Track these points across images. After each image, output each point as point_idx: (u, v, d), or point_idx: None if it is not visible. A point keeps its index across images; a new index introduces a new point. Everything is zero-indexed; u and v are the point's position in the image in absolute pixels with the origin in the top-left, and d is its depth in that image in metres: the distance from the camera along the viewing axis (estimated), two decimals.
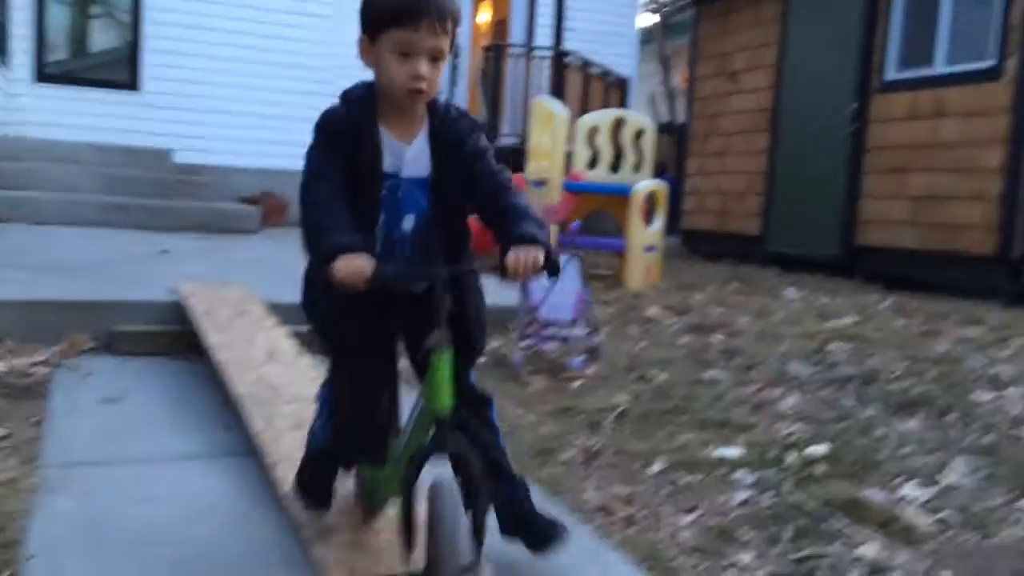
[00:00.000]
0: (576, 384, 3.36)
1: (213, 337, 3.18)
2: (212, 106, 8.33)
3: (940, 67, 6.65)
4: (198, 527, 1.93)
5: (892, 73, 7.01)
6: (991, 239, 6.07)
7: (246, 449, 2.42)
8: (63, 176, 6.92)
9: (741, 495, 2.32)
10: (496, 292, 4.52)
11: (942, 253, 6.44)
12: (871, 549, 2.01)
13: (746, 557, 1.98)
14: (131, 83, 8.21)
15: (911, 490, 2.35)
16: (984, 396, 3.23)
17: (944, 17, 6.65)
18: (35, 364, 3.06)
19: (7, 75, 7.63)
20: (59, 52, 8.23)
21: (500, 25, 12.90)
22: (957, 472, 2.49)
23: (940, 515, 2.20)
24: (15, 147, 7.12)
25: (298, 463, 1.90)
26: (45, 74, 7.99)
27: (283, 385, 2.75)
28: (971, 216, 6.24)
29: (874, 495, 2.29)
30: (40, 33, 7.95)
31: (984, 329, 4.64)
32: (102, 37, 8.54)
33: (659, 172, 11.74)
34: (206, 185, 7.55)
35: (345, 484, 2.01)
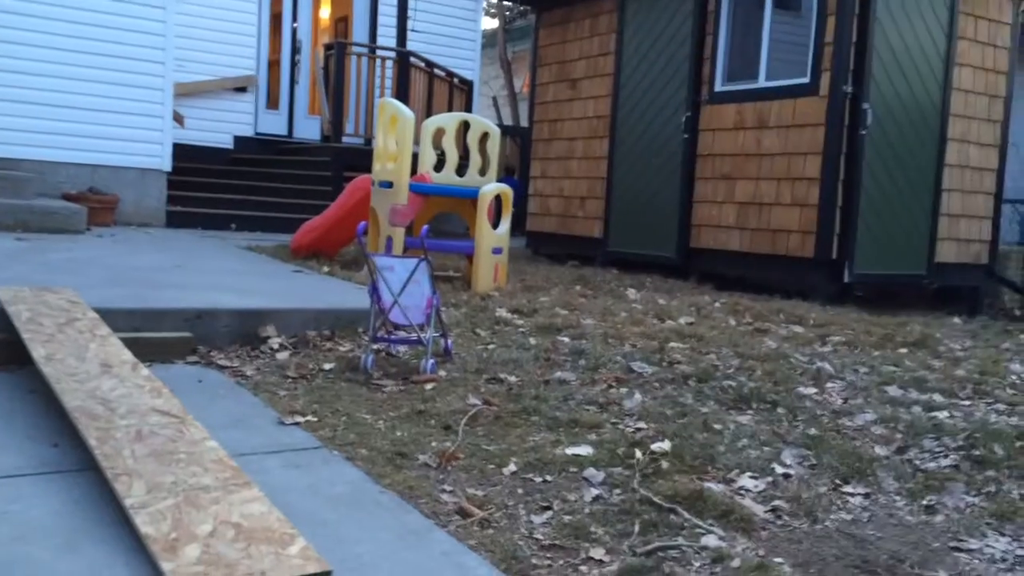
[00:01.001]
0: (428, 387, 3.37)
1: (39, 348, 2.97)
2: (30, 96, 7.74)
3: (763, 81, 7.11)
4: (34, 547, 1.80)
5: (720, 85, 7.43)
6: (810, 243, 6.55)
7: (80, 465, 2.28)
8: None
9: (592, 492, 2.40)
10: (347, 294, 4.48)
11: (767, 256, 6.90)
12: (713, 539, 2.13)
13: (599, 552, 2.05)
14: None
15: (747, 481, 2.51)
16: (808, 390, 3.49)
17: (766, 33, 7.12)
18: None
19: None
20: None
21: (342, 23, 12.72)
22: (787, 463, 2.68)
23: (774, 504, 2.36)
24: None
25: (139, 477, 1.75)
26: None
27: (118, 398, 2.60)
28: (792, 221, 6.71)
29: (714, 488, 2.42)
30: None
31: (807, 326, 5.00)
32: None
33: (507, 175, 11.95)
34: (24, 180, 7.03)
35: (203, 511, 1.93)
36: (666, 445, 2.74)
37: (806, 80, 6.69)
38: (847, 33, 6.42)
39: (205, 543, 1.82)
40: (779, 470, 2.62)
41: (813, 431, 2.98)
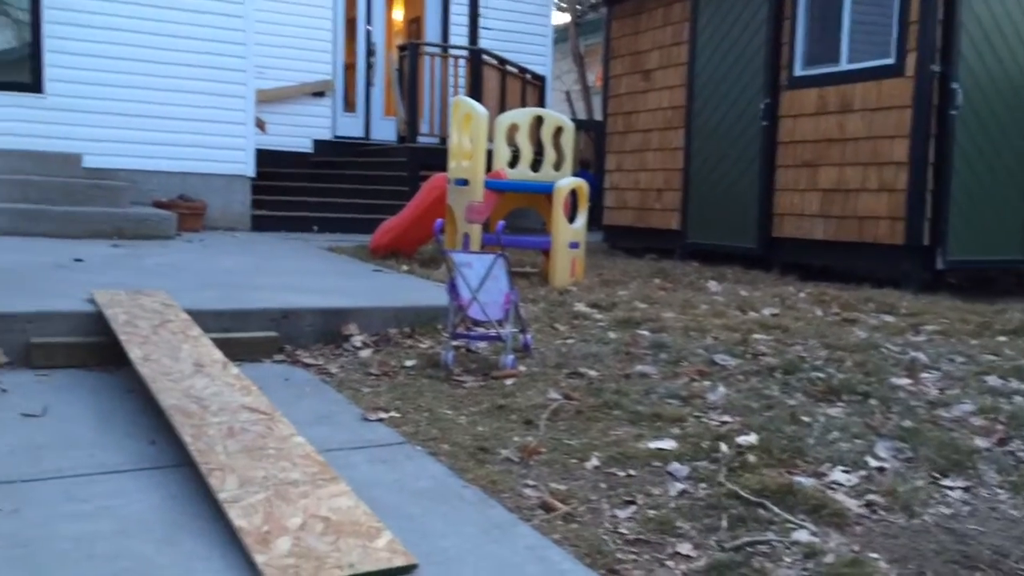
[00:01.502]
0: (509, 382, 3.37)
1: (136, 350, 3.08)
2: (122, 108, 8.06)
3: (845, 64, 6.90)
4: (135, 540, 1.87)
5: (800, 70, 7.25)
6: (899, 229, 6.34)
7: (176, 461, 2.36)
8: None
9: (677, 486, 2.36)
10: (425, 291, 4.52)
11: (854, 244, 6.70)
12: (804, 534, 2.07)
13: (686, 547, 2.02)
14: (34, 85, 7.88)
15: (839, 475, 2.43)
16: (902, 381, 3.37)
17: (847, 15, 6.91)
18: None
19: None
20: None
21: (414, 24, 12.86)
22: (881, 456, 2.59)
23: (868, 498, 2.29)
24: None
25: (231, 472, 1.81)
26: None
27: (210, 396, 2.68)
28: (879, 207, 6.50)
29: (804, 481, 2.36)
30: None
31: (898, 316, 4.83)
32: None
33: (582, 168, 11.90)
34: (119, 190, 7.32)
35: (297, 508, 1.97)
36: (752, 438, 2.68)
37: (891, 61, 6.47)
38: (933, 10, 6.18)
39: (295, 536, 1.85)
40: (873, 463, 2.54)
41: (908, 423, 2.88)
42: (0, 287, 3.92)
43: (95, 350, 3.38)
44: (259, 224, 8.88)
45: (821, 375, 3.41)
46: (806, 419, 2.90)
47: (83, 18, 7.95)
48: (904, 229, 6.30)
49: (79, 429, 2.63)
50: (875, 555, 1.97)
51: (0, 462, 2.29)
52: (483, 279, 3.58)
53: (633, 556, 1.98)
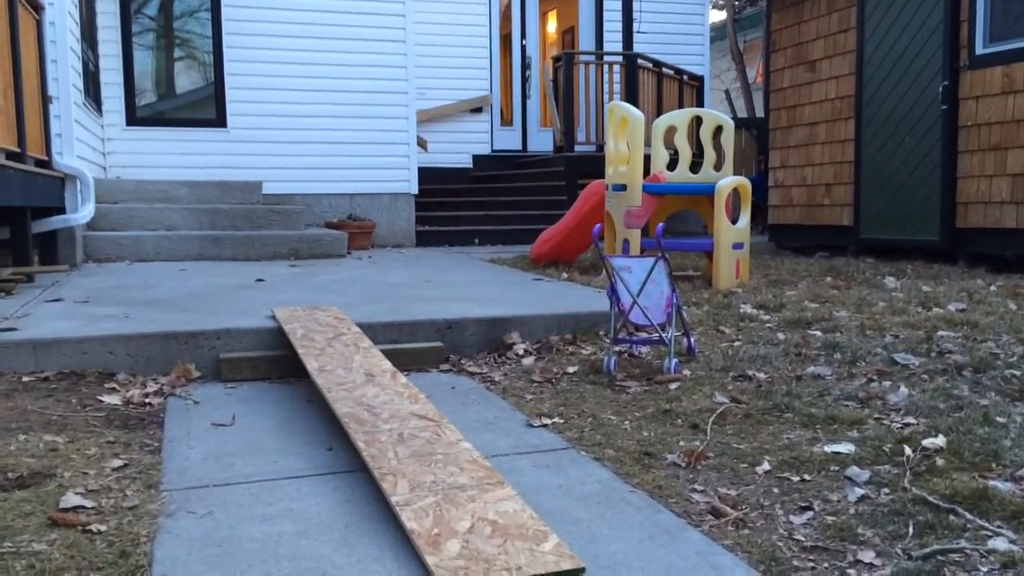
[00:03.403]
0: (673, 386, 3.31)
1: (312, 361, 3.25)
2: (295, 136, 8.58)
3: None
4: (315, 541, 1.97)
5: (982, 47, 6.74)
6: None
7: (351, 467, 2.46)
8: (160, 214, 7.23)
9: (857, 492, 2.24)
10: (586, 298, 4.52)
11: None
12: (1002, 542, 1.91)
13: (868, 555, 1.91)
14: (218, 120, 8.52)
15: None
16: None
17: None
18: (148, 395, 3.18)
19: (101, 121, 8.00)
20: (148, 96, 8.59)
21: (568, 34, 12.94)
22: None
23: None
24: (114, 189, 7.46)
25: (402, 476, 1.88)
26: (136, 117, 8.36)
27: (381, 404, 2.79)
28: None
29: (1001, 486, 2.18)
30: (128, 79, 8.32)
31: None
32: (187, 79, 8.88)
33: (759, 173, 11.40)
34: (295, 213, 7.78)
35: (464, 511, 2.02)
36: (940, 441, 2.51)
37: None
38: None
39: (464, 539, 1.89)
40: None
41: None
42: (192, 308, 4.24)
43: (277, 363, 3.59)
44: (423, 239, 9.18)
45: (1017, 372, 3.14)
46: (1001, 420, 2.68)
47: (258, 54, 8.52)
48: None
49: (264, 437, 2.79)
50: None
51: (195, 468, 2.47)
52: (643, 283, 3.54)
53: (811, 564, 1.89)
